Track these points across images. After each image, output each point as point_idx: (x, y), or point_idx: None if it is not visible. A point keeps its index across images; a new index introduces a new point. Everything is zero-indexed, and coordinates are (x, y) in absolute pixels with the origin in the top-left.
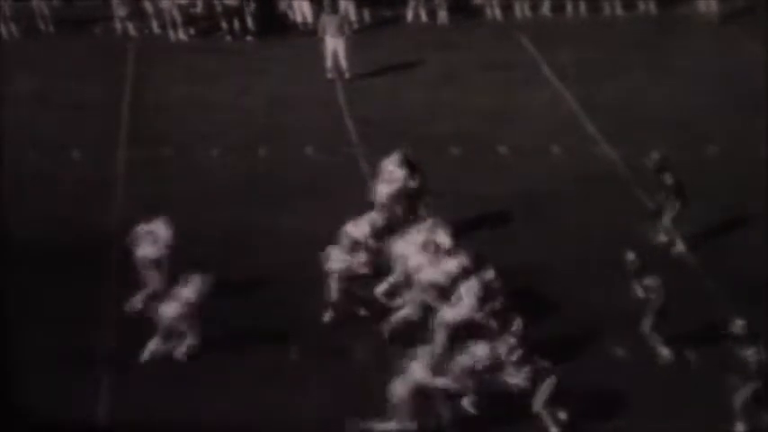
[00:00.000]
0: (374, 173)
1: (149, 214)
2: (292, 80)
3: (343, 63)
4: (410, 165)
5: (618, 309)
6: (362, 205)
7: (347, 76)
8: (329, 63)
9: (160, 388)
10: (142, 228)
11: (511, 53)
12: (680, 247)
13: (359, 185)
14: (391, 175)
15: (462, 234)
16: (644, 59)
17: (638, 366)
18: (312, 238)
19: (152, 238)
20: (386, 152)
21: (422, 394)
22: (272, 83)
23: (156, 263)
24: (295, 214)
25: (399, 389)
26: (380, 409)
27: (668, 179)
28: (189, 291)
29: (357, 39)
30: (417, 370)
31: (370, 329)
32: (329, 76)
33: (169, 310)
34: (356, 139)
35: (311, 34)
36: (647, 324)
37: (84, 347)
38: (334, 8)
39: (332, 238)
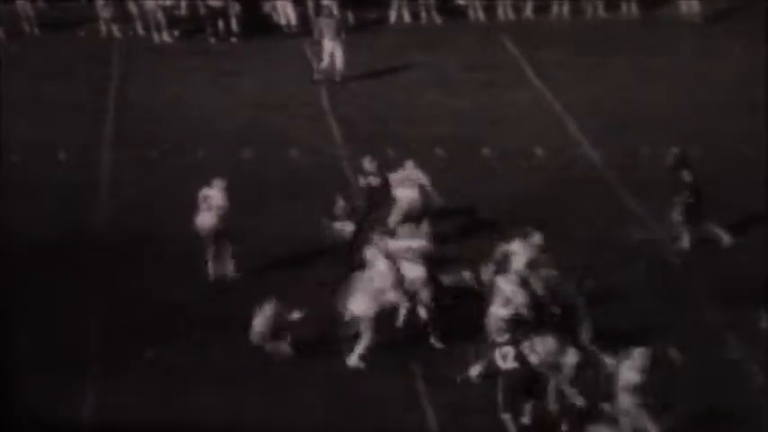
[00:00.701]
0: (357, 174)
1: (135, 215)
2: (277, 82)
3: (340, 66)
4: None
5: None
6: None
7: (338, 78)
8: (324, 65)
9: (150, 388)
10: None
11: (494, 55)
12: (685, 243)
13: (342, 187)
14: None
15: (446, 235)
16: (627, 61)
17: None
18: (296, 238)
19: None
20: (370, 154)
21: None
22: (257, 84)
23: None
24: (279, 215)
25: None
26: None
27: (686, 176)
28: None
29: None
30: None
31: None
32: (316, 77)
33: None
34: (340, 140)
35: (295, 36)
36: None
37: (70, 348)
38: (331, 11)
39: (314, 239)
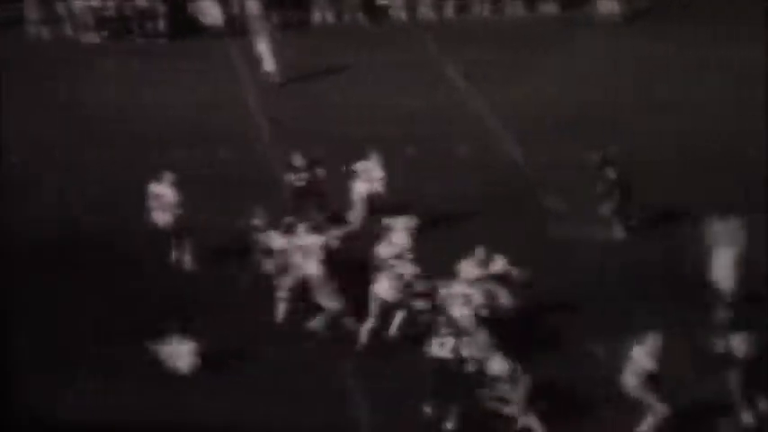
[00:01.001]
0: (285, 172)
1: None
2: (205, 81)
3: (274, 67)
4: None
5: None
6: (274, 205)
7: (277, 80)
8: (267, 65)
9: (145, 388)
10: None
11: (416, 54)
12: (618, 233)
13: (271, 186)
14: (369, 175)
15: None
16: (549, 60)
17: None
18: (227, 237)
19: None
20: (295, 151)
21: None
22: (185, 84)
23: None
24: (208, 215)
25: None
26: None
27: (611, 174)
28: None
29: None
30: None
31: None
32: (272, 79)
33: None
34: (269, 139)
35: (222, 36)
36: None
37: (61, 348)
38: (261, 13)
39: (244, 237)
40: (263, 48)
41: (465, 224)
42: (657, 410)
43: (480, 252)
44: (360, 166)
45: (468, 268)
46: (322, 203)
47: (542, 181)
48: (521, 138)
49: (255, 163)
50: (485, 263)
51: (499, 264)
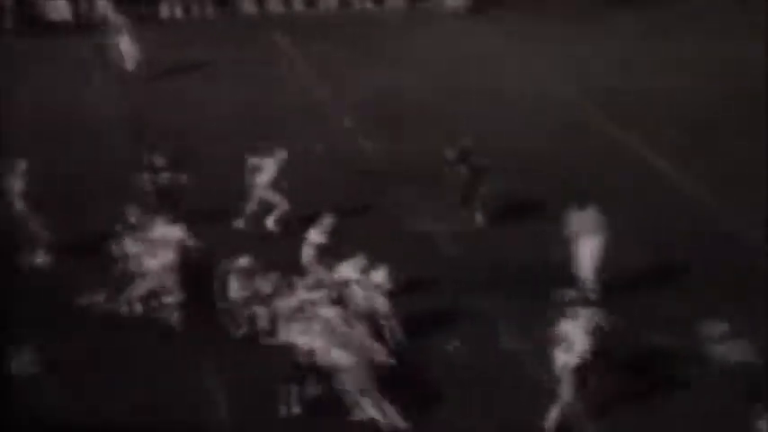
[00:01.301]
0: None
1: None
2: (56, 79)
3: (130, 58)
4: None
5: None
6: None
7: (130, 67)
8: (129, 61)
9: (143, 387)
10: None
11: (266, 48)
12: (479, 220)
13: (131, 185)
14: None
15: (223, 232)
16: (396, 52)
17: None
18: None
19: None
20: (155, 149)
21: None
22: (35, 83)
23: None
24: (67, 218)
25: None
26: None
27: (463, 170)
28: None
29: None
30: None
31: None
32: (129, 74)
33: None
34: (124, 138)
35: (71, 33)
36: None
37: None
38: (117, 8)
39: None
40: (122, 44)
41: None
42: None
43: (361, 260)
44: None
45: (345, 270)
46: (178, 203)
47: (398, 174)
48: (371, 132)
49: (110, 163)
50: (365, 270)
51: (380, 275)
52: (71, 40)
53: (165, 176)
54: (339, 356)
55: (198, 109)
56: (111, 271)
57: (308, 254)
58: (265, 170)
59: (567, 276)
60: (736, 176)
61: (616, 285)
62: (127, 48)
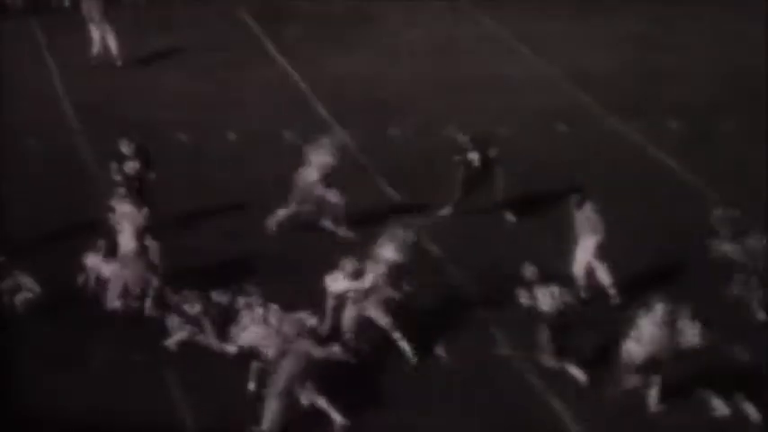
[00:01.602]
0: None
1: None
2: (5, 65)
3: (115, 49)
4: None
5: None
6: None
7: (119, 63)
8: (96, 50)
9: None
10: None
11: (234, 32)
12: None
13: (81, 175)
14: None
15: (191, 226)
16: (370, 36)
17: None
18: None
19: None
20: (108, 139)
21: None
22: None
23: None
24: (20, 209)
25: None
26: None
27: (475, 158)
28: None
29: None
30: None
31: None
32: (93, 63)
33: None
34: (77, 126)
35: (17, 16)
36: None
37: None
38: None
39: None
40: (96, 30)
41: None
42: None
43: (350, 264)
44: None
45: (336, 282)
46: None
47: (380, 167)
48: (348, 120)
49: (65, 153)
50: (355, 275)
51: (369, 279)
52: (19, 22)
53: (130, 165)
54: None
55: (166, 97)
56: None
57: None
58: (314, 164)
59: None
60: (738, 169)
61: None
62: (103, 33)
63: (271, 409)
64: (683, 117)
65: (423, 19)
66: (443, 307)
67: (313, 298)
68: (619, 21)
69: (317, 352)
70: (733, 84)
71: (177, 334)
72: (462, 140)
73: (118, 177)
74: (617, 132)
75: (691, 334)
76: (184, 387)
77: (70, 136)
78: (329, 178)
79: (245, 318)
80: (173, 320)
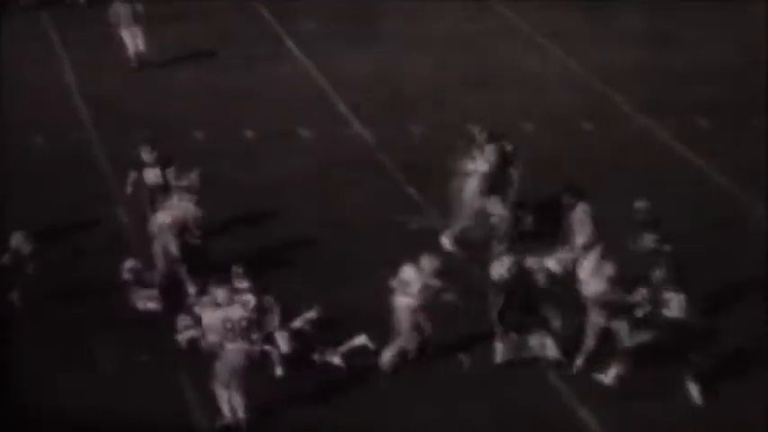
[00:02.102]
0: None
1: None
2: (14, 60)
3: (141, 50)
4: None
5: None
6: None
7: (134, 65)
8: (131, 52)
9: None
10: None
11: (251, 26)
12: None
13: (94, 173)
14: None
15: (211, 225)
16: (395, 29)
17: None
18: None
19: None
20: (121, 137)
21: None
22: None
23: None
24: (27, 208)
25: None
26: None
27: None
28: None
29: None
30: None
31: None
32: (132, 65)
33: None
34: (89, 124)
35: (32, 9)
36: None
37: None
38: None
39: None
40: (127, 33)
41: (310, 214)
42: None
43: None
44: None
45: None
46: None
47: (395, 166)
48: (368, 118)
49: (77, 151)
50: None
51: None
52: (30, 16)
53: (152, 174)
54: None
55: (181, 93)
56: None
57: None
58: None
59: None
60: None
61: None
62: (134, 36)
63: (220, 397)
64: (711, 115)
65: (443, 13)
66: (467, 309)
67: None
68: (640, 16)
69: (255, 350)
70: (759, 81)
71: (188, 331)
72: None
73: (132, 188)
74: (645, 130)
75: (676, 306)
76: (197, 389)
77: (82, 132)
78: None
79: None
80: (184, 320)
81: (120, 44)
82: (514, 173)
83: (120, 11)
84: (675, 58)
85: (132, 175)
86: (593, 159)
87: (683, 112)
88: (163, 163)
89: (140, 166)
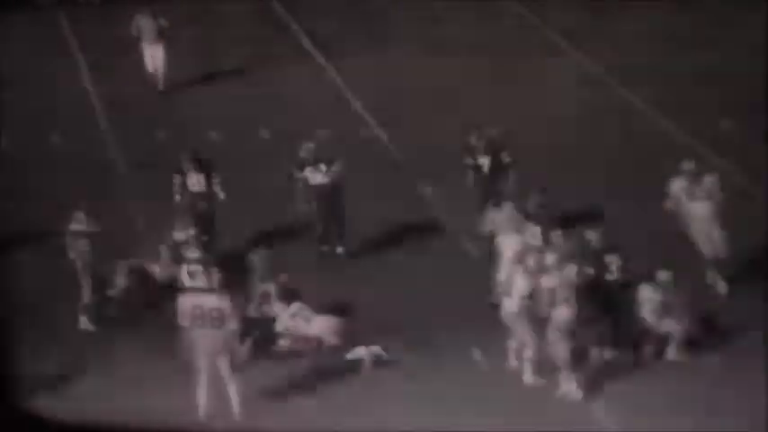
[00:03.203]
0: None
1: None
2: (34, 57)
3: (160, 72)
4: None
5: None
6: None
7: (161, 87)
8: (150, 69)
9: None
10: None
11: (268, 27)
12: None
13: (109, 173)
14: None
15: (228, 228)
16: (411, 30)
17: None
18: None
19: None
20: (139, 138)
21: None
22: (9, 61)
23: None
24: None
25: None
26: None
27: (486, 162)
28: None
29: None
30: None
31: None
32: (150, 83)
33: None
34: (105, 124)
35: (48, 7)
36: None
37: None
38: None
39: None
40: (148, 49)
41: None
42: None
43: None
44: None
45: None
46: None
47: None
48: (387, 119)
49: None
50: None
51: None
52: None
53: (194, 180)
54: None
55: (198, 94)
56: None
57: None
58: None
59: None
60: None
61: None
62: (153, 53)
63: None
64: (734, 116)
65: (459, 14)
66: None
67: None
68: (661, 16)
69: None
70: None
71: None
72: (475, 144)
73: (179, 196)
74: (665, 131)
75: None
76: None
77: (98, 134)
78: None
79: None
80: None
81: (140, 59)
82: (505, 182)
83: (144, 25)
84: (696, 58)
85: (177, 179)
86: (612, 159)
87: (703, 112)
88: (206, 169)
89: (183, 172)
